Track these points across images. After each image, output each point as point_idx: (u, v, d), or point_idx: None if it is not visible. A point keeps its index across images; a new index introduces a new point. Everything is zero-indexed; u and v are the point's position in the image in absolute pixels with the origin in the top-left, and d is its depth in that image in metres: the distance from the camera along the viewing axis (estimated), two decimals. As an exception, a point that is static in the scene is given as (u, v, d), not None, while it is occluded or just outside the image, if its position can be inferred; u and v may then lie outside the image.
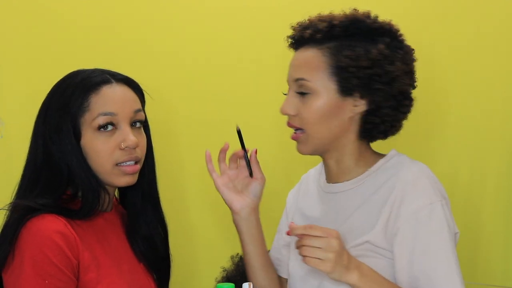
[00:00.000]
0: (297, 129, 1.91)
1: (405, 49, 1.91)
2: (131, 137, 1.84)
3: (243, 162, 1.98)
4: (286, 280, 2.06)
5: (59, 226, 1.74)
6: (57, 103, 1.83)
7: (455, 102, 2.69)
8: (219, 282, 2.49)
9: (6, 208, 1.80)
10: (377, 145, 2.05)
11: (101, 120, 1.81)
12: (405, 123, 2.70)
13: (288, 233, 1.77)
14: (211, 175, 1.99)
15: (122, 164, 1.84)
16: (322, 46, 1.88)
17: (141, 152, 1.87)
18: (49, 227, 1.73)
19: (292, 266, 2.00)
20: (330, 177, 1.97)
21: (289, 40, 1.95)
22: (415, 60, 1.94)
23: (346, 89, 1.86)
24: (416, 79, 1.95)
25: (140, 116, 1.89)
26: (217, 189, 1.99)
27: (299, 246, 1.75)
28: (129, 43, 2.81)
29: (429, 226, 1.80)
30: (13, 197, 1.84)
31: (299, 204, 2.05)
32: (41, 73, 2.68)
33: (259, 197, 1.99)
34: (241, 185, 1.99)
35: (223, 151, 1.98)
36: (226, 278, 2.49)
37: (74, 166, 1.81)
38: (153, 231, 1.95)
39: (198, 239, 2.97)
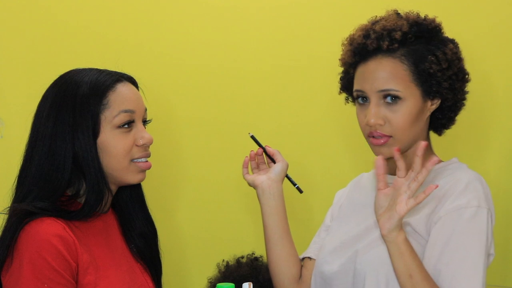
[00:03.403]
0: (383, 136, 1.92)
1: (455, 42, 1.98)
2: (147, 134, 1.88)
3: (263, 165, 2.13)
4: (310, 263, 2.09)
5: (57, 229, 1.74)
6: (72, 101, 1.82)
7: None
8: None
9: (5, 212, 1.80)
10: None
11: (123, 117, 1.84)
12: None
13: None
14: (244, 177, 2.11)
15: (136, 161, 1.86)
16: (396, 54, 1.91)
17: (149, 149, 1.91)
18: (48, 231, 1.73)
19: (328, 239, 2.04)
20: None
21: (352, 52, 1.94)
22: None
23: (430, 92, 1.91)
24: None
25: (147, 114, 1.92)
26: (249, 183, 2.10)
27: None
28: (129, 43, 2.81)
29: (470, 226, 1.83)
30: (11, 200, 1.84)
31: (350, 194, 2.11)
32: (41, 73, 2.68)
33: (279, 173, 2.08)
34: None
35: (252, 158, 2.12)
36: (212, 286, 2.50)
37: (87, 164, 1.81)
38: (146, 228, 1.98)
39: (200, 238, 2.98)
